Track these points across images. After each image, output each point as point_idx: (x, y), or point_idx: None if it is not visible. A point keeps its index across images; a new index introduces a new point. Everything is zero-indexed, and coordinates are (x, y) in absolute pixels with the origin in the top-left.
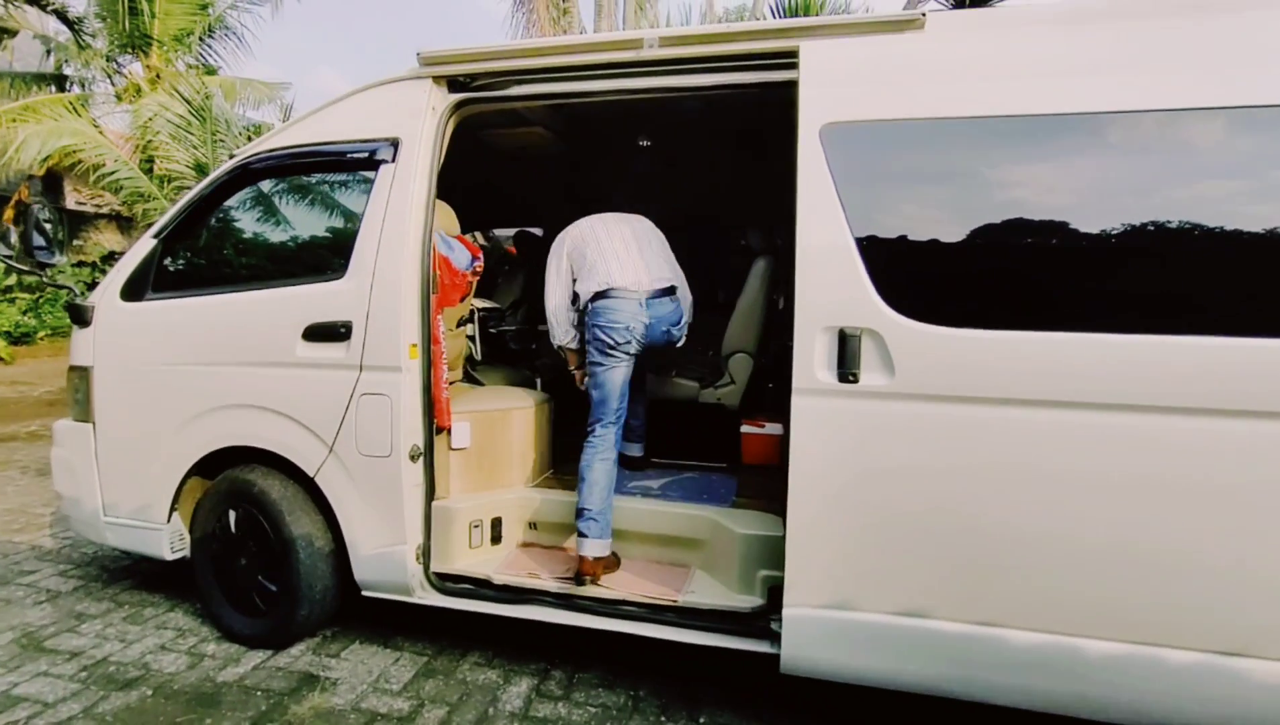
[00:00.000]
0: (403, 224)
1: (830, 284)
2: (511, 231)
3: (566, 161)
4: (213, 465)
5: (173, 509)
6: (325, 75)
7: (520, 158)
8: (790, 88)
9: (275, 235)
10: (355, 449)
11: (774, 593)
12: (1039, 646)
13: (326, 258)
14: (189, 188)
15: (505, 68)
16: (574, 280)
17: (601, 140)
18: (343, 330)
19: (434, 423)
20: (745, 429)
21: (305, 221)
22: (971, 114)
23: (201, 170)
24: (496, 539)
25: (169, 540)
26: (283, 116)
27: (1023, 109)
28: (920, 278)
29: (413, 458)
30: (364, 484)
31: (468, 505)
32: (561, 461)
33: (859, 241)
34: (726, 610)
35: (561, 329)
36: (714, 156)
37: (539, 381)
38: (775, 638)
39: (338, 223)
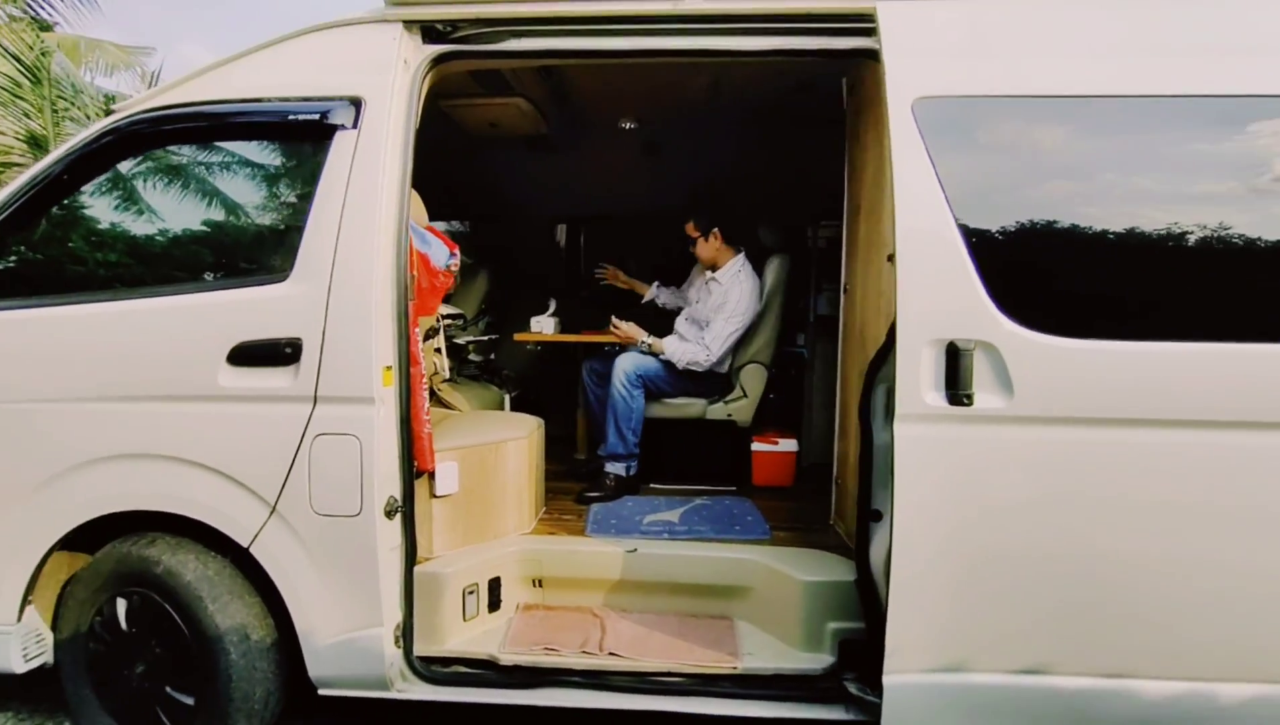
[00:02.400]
0: (371, 210)
1: (936, 289)
2: (454, 224)
3: (542, 144)
4: (87, 538)
5: (25, 601)
6: (190, 50)
7: (484, 136)
8: (859, 57)
9: (179, 222)
10: (309, 508)
11: (845, 648)
12: (1175, 697)
13: (259, 253)
14: (16, 165)
15: (501, 14)
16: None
17: (591, 118)
18: (288, 350)
19: (413, 466)
20: (756, 447)
21: (225, 206)
22: (1092, 93)
23: (38, 143)
24: (495, 605)
25: (19, 646)
26: (146, 85)
27: (1164, 89)
28: (1041, 281)
29: (388, 513)
30: (322, 553)
31: (459, 567)
32: (552, 495)
33: (967, 239)
34: (795, 674)
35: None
36: (726, 141)
37: (507, 397)
38: (851, 701)
39: (274, 208)
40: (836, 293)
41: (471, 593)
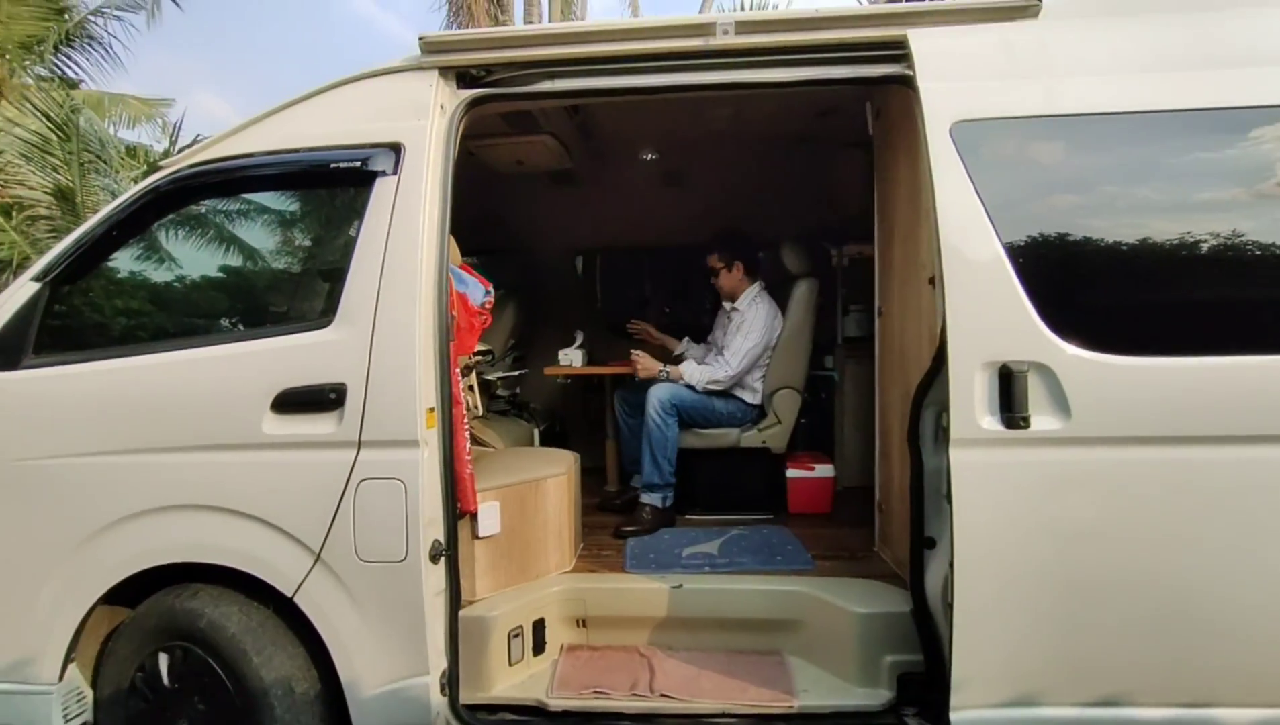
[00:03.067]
0: (412, 253)
1: (985, 312)
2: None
3: (565, 177)
4: (128, 592)
5: (68, 660)
6: (203, 99)
7: (508, 171)
8: (891, 83)
9: (223, 274)
10: (354, 554)
11: (904, 682)
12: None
13: (303, 301)
14: (43, 217)
15: (533, 57)
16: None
17: (613, 150)
18: (332, 396)
19: (456, 508)
20: (792, 473)
21: (268, 255)
22: (1128, 109)
23: (65, 196)
24: (539, 647)
25: (60, 706)
26: (167, 136)
27: (1216, 101)
28: (1092, 299)
29: (433, 557)
30: (367, 600)
31: (504, 610)
32: (588, 529)
33: (1014, 259)
34: (854, 711)
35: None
36: (747, 168)
37: (536, 431)
38: None
39: (316, 255)
40: (865, 314)
41: (516, 636)
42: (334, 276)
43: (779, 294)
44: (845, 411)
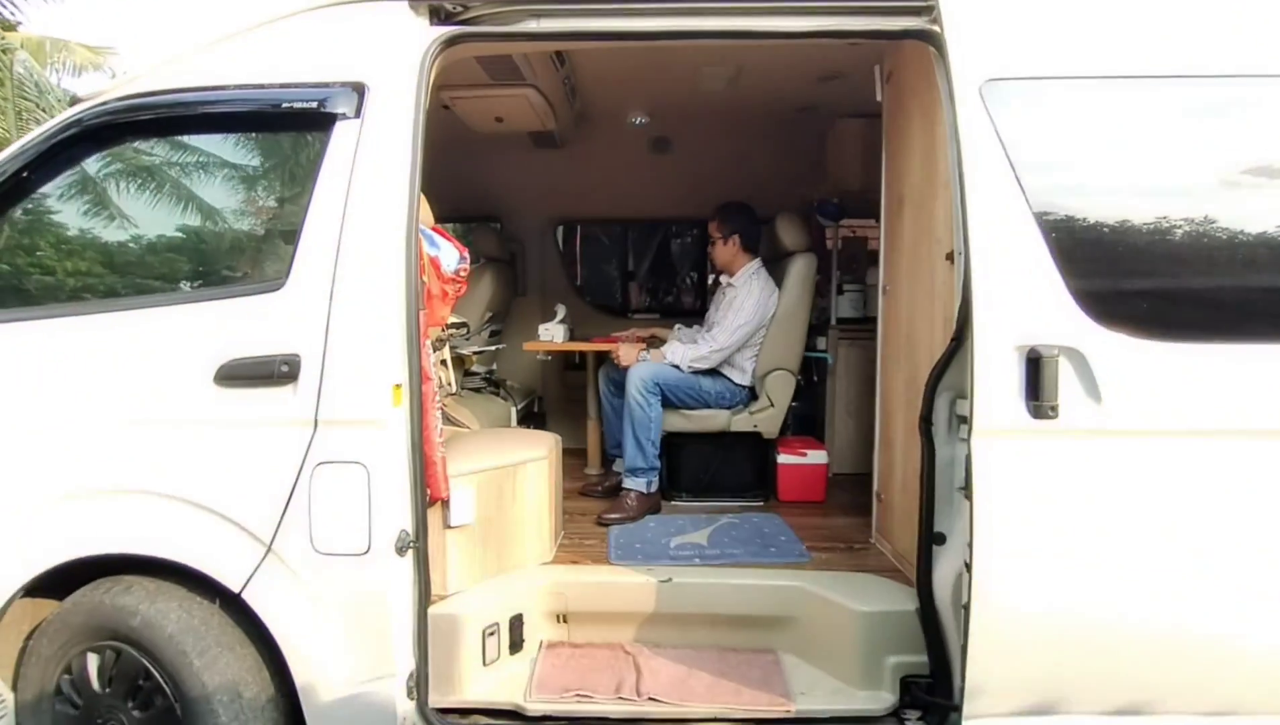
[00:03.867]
0: (377, 209)
1: (1014, 291)
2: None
3: (547, 141)
4: (56, 582)
5: None
6: (159, 46)
7: (487, 131)
8: (911, 38)
9: (158, 228)
10: (309, 546)
11: (907, 685)
12: None
13: (248, 261)
14: None
15: None
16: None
17: (600, 112)
18: (284, 369)
19: (426, 495)
20: (784, 459)
21: (210, 207)
22: (1188, 72)
23: None
24: (517, 645)
25: None
26: None
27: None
28: (1130, 279)
29: (399, 550)
30: (325, 596)
31: (478, 606)
32: (568, 516)
33: (1047, 234)
34: (855, 716)
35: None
36: (741, 136)
37: (514, 410)
38: None
39: (266, 208)
40: (860, 294)
41: (492, 634)
42: (286, 234)
43: (774, 270)
44: (837, 395)
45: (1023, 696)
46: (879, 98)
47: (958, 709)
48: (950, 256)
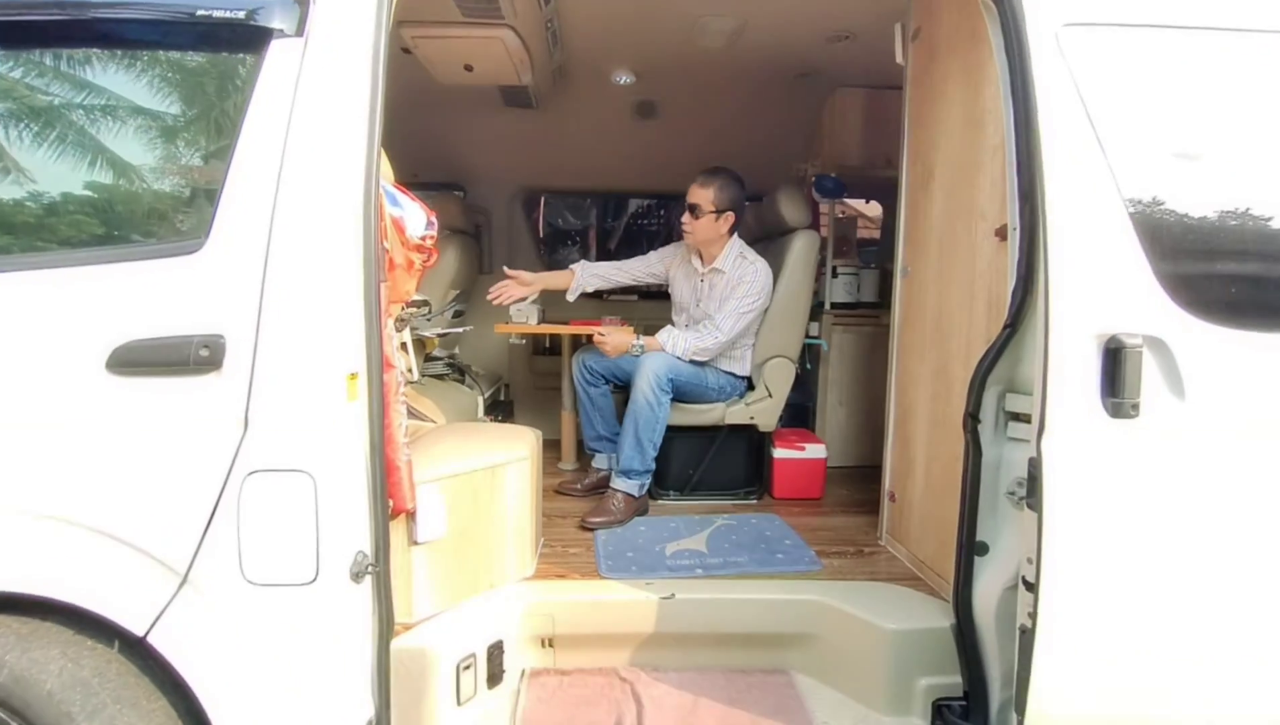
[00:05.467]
0: (327, 153)
1: (1093, 273)
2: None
3: (519, 98)
4: None
5: None
6: None
7: (454, 85)
8: None
9: (32, 172)
10: (238, 576)
11: (940, 712)
12: None
13: (153, 215)
14: None
15: None
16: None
17: (582, 67)
18: (203, 352)
19: (388, 507)
20: (779, 453)
21: (102, 147)
22: None
23: None
24: (496, 678)
25: None
26: None
27: None
28: (1224, 262)
29: (355, 576)
30: (258, 636)
31: (450, 635)
32: (547, 519)
33: (1131, 208)
34: None
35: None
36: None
37: (480, 400)
38: None
39: (177, 148)
40: (854, 277)
41: (468, 667)
42: (206, 181)
43: (771, 248)
44: (829, 385)
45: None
46: (900, 60)
47: None
48: (1001, 232)
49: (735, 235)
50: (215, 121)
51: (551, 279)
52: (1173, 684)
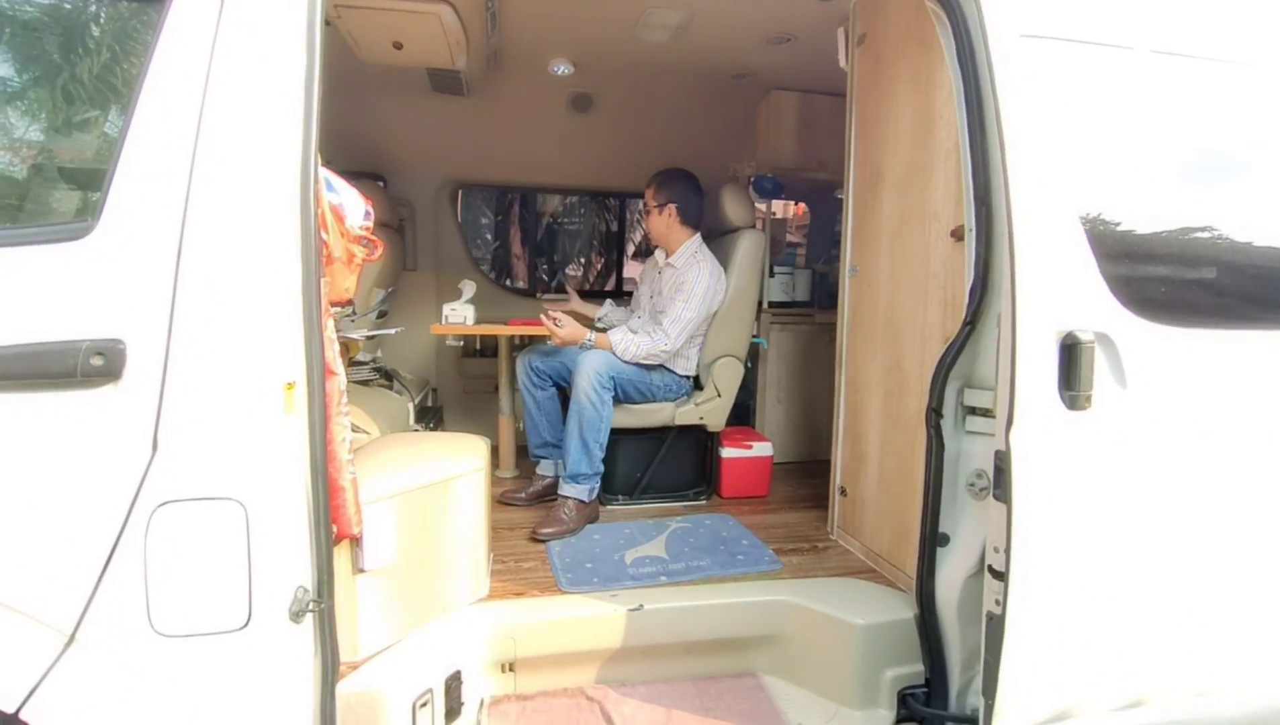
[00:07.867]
0: (256, 118)
1: (1049, 272)
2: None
3: (449, 84)
4: None
5: None
6: None
7: (379, 66)
8: None
9: None
10: (146, 628)
11: (905, 701)
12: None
13: (30, 191)
14: None
15: None
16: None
17: (518, 54)
18: (97, 361)
19: (330, 533)
20: (727, 453)
21: None
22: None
23: None
24: (454, 713)
25: None
26: None
27: None
28: (1162, 263)
29: (296, 615)
30: (170, 699)
31: (403, 670)
32: (495, 533)
33: (1082, 212)
34: None
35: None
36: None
37: (411, 406)
38: None
39: (62, 111)
40: (789, 277)
41: (425, 704)
42: (96, 152)
43: (716, 246)
44: (768, 383)
45: (1046, 704)
46: (842, 64)
47: (956, 719)
48: (956, 233)
49: (696, 232)
50: (109, 77)
51: (586, 306)
52: (1139, 664)
